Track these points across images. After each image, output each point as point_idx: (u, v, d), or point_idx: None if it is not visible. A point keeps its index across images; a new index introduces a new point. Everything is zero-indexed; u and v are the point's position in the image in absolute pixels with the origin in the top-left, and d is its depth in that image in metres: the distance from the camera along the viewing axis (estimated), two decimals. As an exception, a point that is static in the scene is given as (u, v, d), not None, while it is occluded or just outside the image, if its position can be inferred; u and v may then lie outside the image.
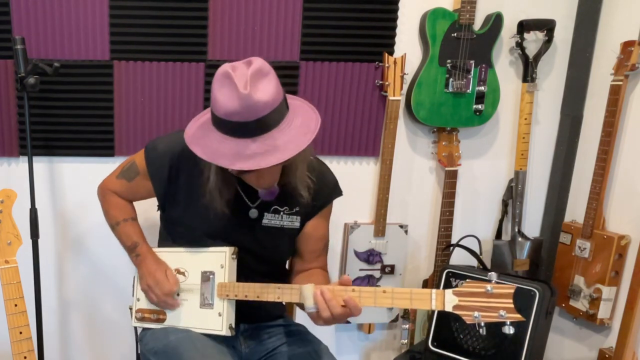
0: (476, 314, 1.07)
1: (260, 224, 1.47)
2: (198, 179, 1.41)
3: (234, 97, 1.19)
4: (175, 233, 1.55)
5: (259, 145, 1.21)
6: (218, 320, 1.42)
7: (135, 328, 1.61)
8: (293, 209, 1.48)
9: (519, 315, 1.05)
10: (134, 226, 1.59)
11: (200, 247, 1.48)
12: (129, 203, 1.63)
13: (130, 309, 1.60)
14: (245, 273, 1.47)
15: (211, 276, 1.44)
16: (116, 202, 1.62)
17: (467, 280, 1.10)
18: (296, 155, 1.23)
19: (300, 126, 1.25)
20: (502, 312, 1.06)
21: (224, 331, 1.42)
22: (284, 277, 1.64)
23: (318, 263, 1.58)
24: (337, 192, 1.54)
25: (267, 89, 1.20)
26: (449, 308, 1.10)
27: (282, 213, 1.48)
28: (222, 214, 1.42)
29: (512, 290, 1.06)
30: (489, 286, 1.07)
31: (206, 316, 1.44)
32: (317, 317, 1.27)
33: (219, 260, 1.44)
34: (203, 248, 1.48)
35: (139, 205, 1.67)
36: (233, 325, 1.43)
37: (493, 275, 1.09)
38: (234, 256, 1.44)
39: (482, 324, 1.08)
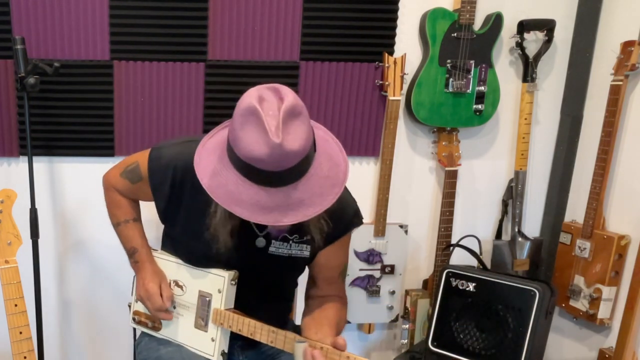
0: None
1: (267, 251, 1.36)
2: (201, 202, 1.26)
3: (261, 144, 1.04)
4: (176, 247, 1.49)
5: (283, 197, 1.08)
6: (211, 345, 1.40)
7: (134, 328, 1.61)
8: (303, 237, 1.35)
9: None
10: (135, 228, 1.52)
11: (200, 266, 1.43)
12: (131, 202, 1.55)
13: (130, 306, 1.59)
14: (247, 297, 1.40)
15: (208, 299, 1.40)
16: (118, 200, 1.53)
17: None
18: None
19: (328, 176, 1.12)
20: None
21: (216, 357, 1.39)
22: (288, 302, 1.59)
23: (333, 290, 1.46)
24: (357, 221, 1.40)
25: (300, 135, 1.06)
26: None
27: (291, 241, 1.36)
28: (226, 242, 1.31)
29: None
30: None
31: (199, 338, 1.42)
32: None
33: (217, 284, 1.38)
34: (203, 268, 1.42)
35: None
36: (226, 351, 1.40)
37: None
38: (234, 282, 1.37)
39: None
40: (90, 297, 2.19)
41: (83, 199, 2.07)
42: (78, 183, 2.07)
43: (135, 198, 1.55)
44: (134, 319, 1.56)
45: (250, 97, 1.08)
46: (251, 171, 1.07)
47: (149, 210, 1.70)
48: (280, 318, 1.35)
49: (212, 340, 1.40)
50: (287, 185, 1.08)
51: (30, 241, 1.80)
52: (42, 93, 1.88)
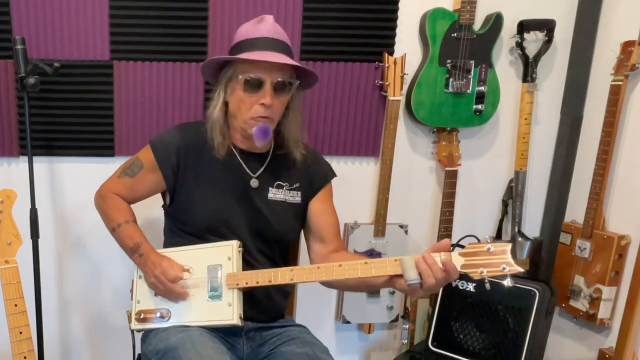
0: (481, 269, 1.20)
1: (267, 198, 1.56)
2: (205, 160, 1.53)
3: (259, 21, 1.49)
4: (184, 223, 1.57)
5: (276, 55, 1.44)
6: (228, 310, 1.43)
7: (132, 331, 1.60)
8: (293, 185, 1.60)
9: (518, 267, 1.18)
10: (135, 228, 1.59)
11: (208, 235, 1.52)
12: (129, 206, 1.64)
13: (128, 314, 1.57)
14: (250, 257, 1.52)
15: (219, 269, 1.45)
16: (117, 203, 1.62)
17: (468, 243, 1.24)
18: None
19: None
20: (504, 266, 1.19)
21: (235, 320, 1.42)
22: (286, 263, 1.66)
23: (339, 242, 1.64)
24: (332, 173, 1.68)
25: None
26: (457, 267, 1.22)
27: (284, 188, 1.59)
28: (229, 191, 1.53)
29: (509, 247, 1.20)
30: (489, 245, 1.21)
31: (215, 308, 1.45)
32: (418, 288, 1.29)
33: (225, 253, 1.46)
34: (208, 244, 1.50)
35: (139, 205, 1.67)
36: (242, 316, 1.44)
37: (488, 237, 1.20)
38: (240, 249, 1.47)
39: (487, 280, 1.22)
40: (90, 297, 2.19)
41: (83, 199, 2.05)
42: (78, 183, 2.06)
43: (135, 197, 1.64)
44: (137, 319, 1.54)
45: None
46: (251, 42, 1.46)
47: (150, 209, 1.71)
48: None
49: (229, 305, 1.43)
50: (283, 53, 1.46)
51: (30, 241, 1.80)
52: (42, 93, 1.88)
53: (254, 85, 1.44)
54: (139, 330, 1.57)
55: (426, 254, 1.28)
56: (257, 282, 1.41)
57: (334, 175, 1.67)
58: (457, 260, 1.23)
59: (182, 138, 1.56)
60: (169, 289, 1.47)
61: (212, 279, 1.46)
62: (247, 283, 1.42)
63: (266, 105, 1.45)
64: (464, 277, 1.97)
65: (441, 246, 1.30)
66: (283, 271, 1.40)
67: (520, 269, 1.19)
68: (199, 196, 1.54)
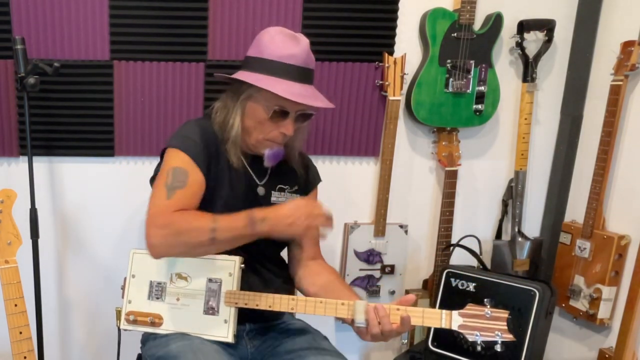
0: (477, 333, 1.27)
1: (269, 202, 1.56)
2: (218, 158, 1.51)
3: (294, 44, 1.43)
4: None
5: (310, 90, 1.44)
6: (224, 327, 1.42)
7: (119, 330, 1.57)
8: (293, 188, 1.61)
9: (511, 336, 1.25)
10: (224, 217, 1.34)
11: None
12: (197, 210, 1.43)
13: (117, 311, 1.55)
14: (251, 257, 1.50)
15: (218, 283, 1.44)
16: (190, 215, 1.38)
17: (469, 304, 1.29)
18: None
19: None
20: (497, 333, 1.26)
21: (229, 338, 1.42)
22: (283, 265, 1.68)
23: (316, 249, 1.65)
24: (319, 177, 1.71)
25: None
26: (455, 327, 1.28)
27: (286, 191, 1.60)
28: (234, 191, 1.51)
29: (507, 315, 1.26)
30: (487, 310, 1.27)
31: (210, 322, 1.44)
32: (365, 333, 1.33)
33: (227, 268, 1.44)
34: (210, 256, 1.46)
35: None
36: (236, 334, 1.44)
37: (488, 301, 1.31)
38: (242, 265, 1.45)
39: (480, 342, 1.28)
40: (90, 297, 2.19)
41: (83, 199, 2.07)
42: (78, 183, 2.07)
43: (193, 206, 1.43)
44: (127, 320, 1.52)
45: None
46: (284, 69, 1.41)
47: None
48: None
49: (225, 322, 1.43)
50: (310, 84, 1.45)
51: (30, 241, 1.80)
52: (42, 93, 1.88)
53: (279, 115, 1.43)
54: (126, 330, 1.55)
55: (379, 305, 1.30)
56: (257, 305, 1.41)
57: (319, 180, 1.70)
58: (457, 319, 1.28)
59: (201, 133, 1.48)
60: (325, 214, 1.34)
61: (209, 293, 1.45)
62: (246, 304, 1.42)
63: (286, 135, 1.45)
64: (464, 277, 1.99)
65: (406, 300, 1.33)
66: (285, 299, 1.40)
67: (513, 338, 1.25)
68: (216, 199, 1.49)
